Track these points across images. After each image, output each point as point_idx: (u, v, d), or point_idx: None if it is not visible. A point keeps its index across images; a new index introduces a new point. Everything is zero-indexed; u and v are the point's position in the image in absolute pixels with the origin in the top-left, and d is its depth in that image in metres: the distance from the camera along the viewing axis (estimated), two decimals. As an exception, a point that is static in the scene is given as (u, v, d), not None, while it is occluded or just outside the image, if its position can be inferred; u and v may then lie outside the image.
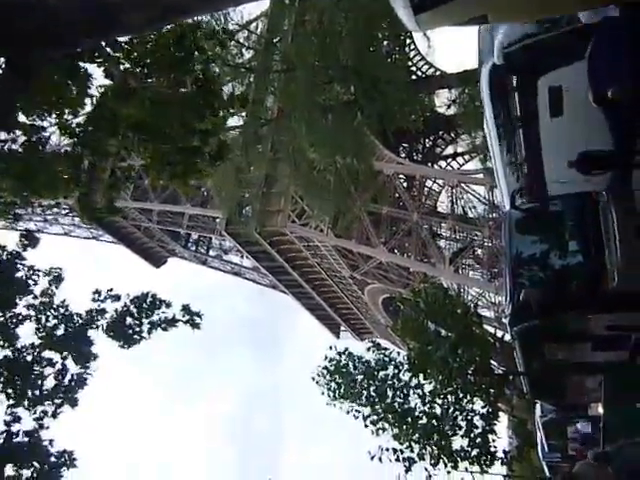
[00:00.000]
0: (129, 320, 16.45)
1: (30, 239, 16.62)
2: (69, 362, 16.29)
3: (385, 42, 38.52)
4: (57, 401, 15.93)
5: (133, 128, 10.60)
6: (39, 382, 15.97)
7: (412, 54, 49.78)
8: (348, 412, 26.69)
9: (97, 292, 16.66)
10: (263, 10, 41.95)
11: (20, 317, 16.54)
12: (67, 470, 15.72)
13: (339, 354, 27.73)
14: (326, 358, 27.82)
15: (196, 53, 10.69)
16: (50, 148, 13.68)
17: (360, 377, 26.93)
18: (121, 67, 10.69)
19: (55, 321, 16.44)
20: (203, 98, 10.61)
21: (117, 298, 16.73)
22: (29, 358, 16.11)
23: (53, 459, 15.61)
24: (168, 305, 16.69)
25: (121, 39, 10.26)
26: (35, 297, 16.72)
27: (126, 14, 4.06)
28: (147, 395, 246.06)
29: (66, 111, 11.32)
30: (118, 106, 10.47)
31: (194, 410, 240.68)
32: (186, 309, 16.57)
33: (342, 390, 26.88)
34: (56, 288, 16.92)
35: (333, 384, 27.14)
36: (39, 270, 16.87)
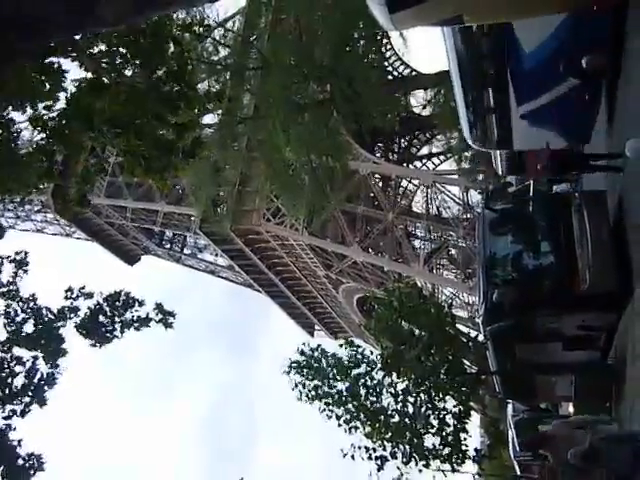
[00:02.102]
0: (102, 318, 16.22)
1: None
2: (39, 361, 16.03)
3: (361, 42, 38.54)
4: (26, 400, 15.66)
5: (107, 122, 10.50)
6: (8, 380, 15.70)
7: (388, 54, 49.94)
8: (321, 411, 26.64)
9: (69, 290, 16.39)
10: (239, 8, 41.85)
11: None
12: (35, 474, 15.46)
13: (312, 350, 27.66)
14: (298, 350, 27.68)
15: (171, 45, 10.63)
16: (23, 143, 13.52)
17: (332, 373, 26.88)
18: (94, 59, 10.60)
19: (24, 315, 16.13)
20: (178, 90, 10.54)
21: (90, 296, 16.46)
22: (-1, 356, 15.84)
23: (21, 462, 15.34)
24: (141, 304, 16.47)
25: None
26: (2, 285, 16.36)
27: (100, 7, 4.00)
28: (115, 396, 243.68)
29: (40, 105, 11.19)
30: (92, 100, 10.37)
31: (164, 411, 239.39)
32: (159, 308, 16.38)
33: (313, 385, 26.79)
34: (24, 272, 16.53)
35: (305, 380, 27.04)
36: (2, 257, 16.50)
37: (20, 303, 16.16)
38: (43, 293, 17.07)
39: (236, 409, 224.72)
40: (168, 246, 75.09)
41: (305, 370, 27.11)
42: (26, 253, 16.68)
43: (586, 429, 8.42)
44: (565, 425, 8.95)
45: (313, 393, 26.75)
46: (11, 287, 16.31)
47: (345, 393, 26.35)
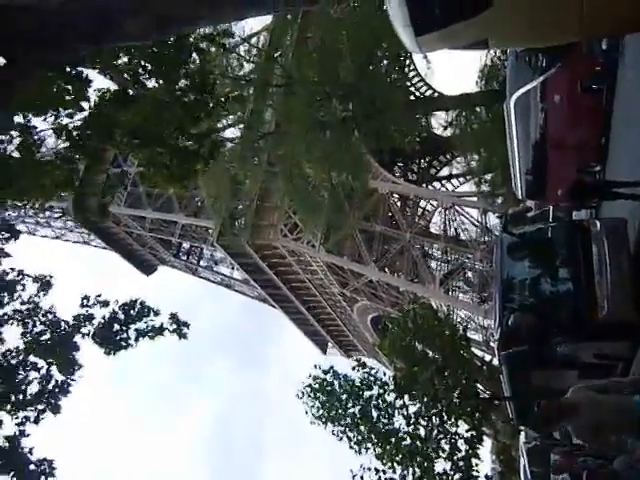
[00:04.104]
0: (116, 326, 16.27)
1: (10, 232, 16.45)
2: (54, 368, 16.07)
3: (385, 61, 38.68)
4: (40, 407, 15.70)
5: (130, 133, 10.60)
6: (23, 387, 15.76)
7: (411, 74, 50.03)
8: (332, 433, 26.45)
9: (86, 297, 16.46)
10: (265, 25, 42.17)
11: (6, 317, 16.33)
12: (46, 479, 15.47)
13: (324, 372, 27.51)
14: (311, 376, 27.62)
15: (194, 56, 10.75)
16: (47, 151, 13.65)
17: (345, 396, 26.73)
18: (119, 70, 10.73)
19: (42, 327, 16.23)
20: (199, 100, 10.62)
21: (105, 304, 16.54)
22: (14, 362, 15.90)
23: (32, 467, 15.36)
24: (156, 313, 16.49)
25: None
26: (23, 303, 16.49)
27: (125, 22, 4.05)
28: (124, 409, 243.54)
29: (63, 114, 11.32)
30: (116, 112, 10.49)
31: (171, 423, 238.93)
32: (174, 318, 16.40)
33: (326, 409, 26.63)
34: (44, 295, 16.68)
35: (317, 403, 26.91)
36: (28, 275, 16.66)
37: (39, 316, 16.28)
38: (60, 299, 17.19)
39: (244, 423, 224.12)
40: (185, 258, 75.28)
41: (318, 394, 26.97)
42: (51, 277, 16.84)
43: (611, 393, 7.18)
44: (585, 390, 7.54)
45: (326, 416, 26.59)
46: (30, 306, 16.44)
47: (357, 415, 26.15)
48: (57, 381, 15.92)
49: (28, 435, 15.69)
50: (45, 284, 16.70)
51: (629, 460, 6.79)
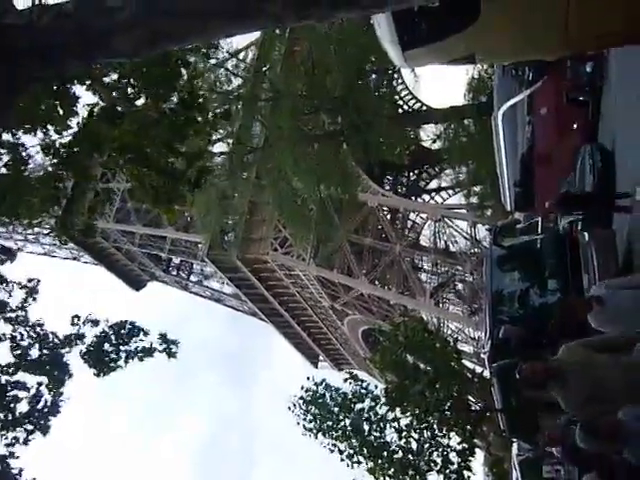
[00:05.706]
0: (107, 347, 16.13)
1: (7, 254, 16.34)
2: (43, 388, 15.91)
3: (373, 75, 38.87)
4: (29, 427, 15.54)
5: (117, 149, 10.58)
6: (12, 406, 15.59)
7: (399, 88, 50.30)
8: (325, 446, 26.33)
9: (76, 316, 16.32)
10: (253, 40, 42.29)
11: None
12: None
13: (316, 385, 27.43)
14: (303, 388, 27.54)
15: (183, 71, 10.74)
16: (34, 168, 13.61)
17: (336, 409, 26.64)
18: (108, 88, 10.71)
19: (30, 340, 16.07)
20: (186, 118, 10.59)
21: (96, 323, 16.41)
22: (3, 381, 15.74)
23: None
24: (146, 333, 16.37)
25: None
26: (11, 310, 16.32)
27: (114, 38, 4.06)
28: (111, 425, 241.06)
29: (51, 130, 11.29)
30: (104, 129, 10.46)
31: (161, 443, 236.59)
32: (163, 337, 16.28)
33: (318, 422, 26.53)
34: (33, 300, 16.50)
35: (309, 415, 26.81)
36: (13, 282, 16.48)
37: (27, 328, 16.13)
38: (49, 315, 17.05)
39: (235, 437, 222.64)
40: (175, 273, 75.03)
41: (310, 406, 26.87)
42: (38, 281, 16.70)
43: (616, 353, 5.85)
44: (580, 347, 6.22)
45: (317, 427, 26.47)
46: (19, 312, 16.29)
47: (349, 428, 26.05)
48: (46, 401, 15.76)
49: (17, 457, 15.51)
50: (32, 290, 16.51)
51: (638, 411, 5.59)
